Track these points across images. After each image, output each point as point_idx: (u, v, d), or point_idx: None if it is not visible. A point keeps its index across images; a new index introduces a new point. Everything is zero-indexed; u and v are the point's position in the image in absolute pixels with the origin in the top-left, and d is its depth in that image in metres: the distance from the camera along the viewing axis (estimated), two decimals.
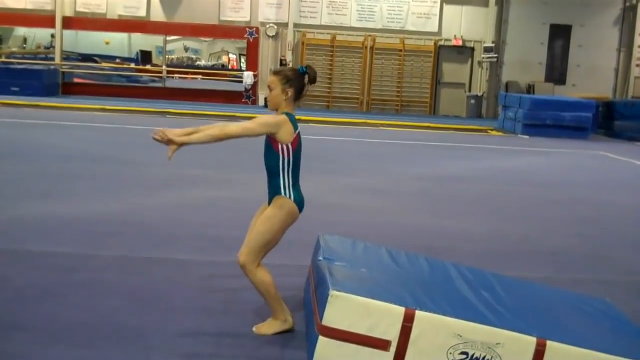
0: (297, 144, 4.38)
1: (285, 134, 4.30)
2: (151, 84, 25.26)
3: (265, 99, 4.26)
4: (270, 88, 4.36)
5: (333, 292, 3.82)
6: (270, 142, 4.34)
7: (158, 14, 24.08)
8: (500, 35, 24.06)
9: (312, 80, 4.47)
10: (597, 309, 5.00)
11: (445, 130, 19.57)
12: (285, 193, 4.39)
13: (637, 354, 4.12)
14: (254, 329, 4.42)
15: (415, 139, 16.81)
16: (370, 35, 24.20)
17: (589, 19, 23.79)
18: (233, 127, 4.21)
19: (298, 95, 4.41)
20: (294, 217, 4.43)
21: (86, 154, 11.44)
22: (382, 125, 19.55)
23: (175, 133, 4.10)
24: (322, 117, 20.65)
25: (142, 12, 23.98)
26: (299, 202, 4.44)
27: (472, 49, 24.43)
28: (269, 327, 4.41)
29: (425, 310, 3.91)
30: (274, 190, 4.43)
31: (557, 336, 4.06)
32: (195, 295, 4.97)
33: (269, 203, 4.47)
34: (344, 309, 3.83)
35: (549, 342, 3.95)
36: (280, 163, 4.36)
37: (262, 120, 4.23)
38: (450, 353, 3.88)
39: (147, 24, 24.06)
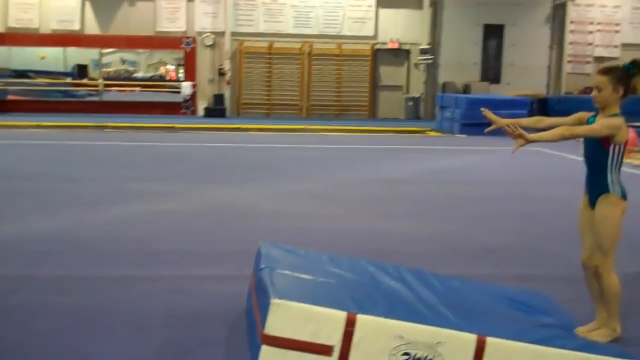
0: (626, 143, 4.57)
1: (623, 136, 4.44)
2: (88, 98, 24.87)
3: (594, 98, 4.43)
4: (598, 88, 4.47)
5: (274, 301, 3.82)
6: (601, 141, 4.45)
7: (93, 27, 23.80)
8: (435, 37, 24.38)
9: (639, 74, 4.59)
10: (535, 303, 5.11)
11: (384, 133, 19.72)
12: (613, 190, 4.50)
13: (572, 345, 4.22)
14: (578, 330, 4.61)
15: (356, 143, 16.92)
16: (307, 42, 24.30)
17: (521, 18, 24.26)
18: (580, 128, 4.48)
19: (626, 93, 4.50)
20: (624, 210, 4.56)
21: (22, 171, 11.22)
22: (322, 130, 19.62)
23: (520, 124, 4.46)
24: (263, 124, 20.64)
25: (76, 26, 23.67)
26: (625, 194, 4.55)
27: (409, 51, 24.69)
28: (601, 334, 4.60)
29: (367, 314, 3.94)
30: (600, 188, 4.53)
31: (497, 332, 4.13)
32: (136, 311, 4.91)
33: (592, 200, 4.60)
34: (286, 316, 3.83)
35: (489, 339, 4.02)
36: (609, 161, 4.48)
37: (607, 123, 4.39)
38: (393, 355, 3.91)
39: (82, 38, 23.74)
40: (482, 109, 5.14)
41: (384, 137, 18.80)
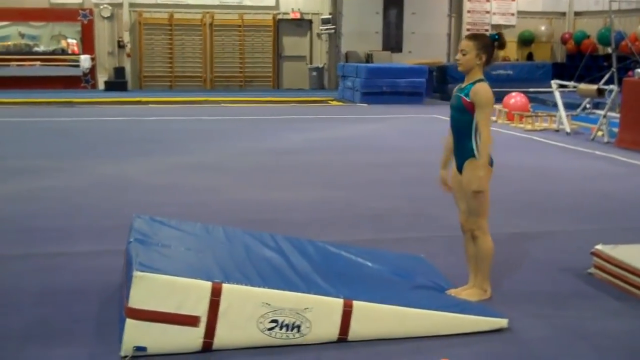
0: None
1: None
2: None
3: (457, 61, 4.46)
4: (463, 52, 4.56)
5: (137, 273, 3.78)
6: (466, 106, 4.53)
7: None
8: (336, 6, 24.37)
9: (502, 46, 4.66)
10: (411, 266, 5.22)
11: (287, 103, 19.67)
12: (477, 155, 4.56)
13: (440, 305, 4.34)
14: (450, 291, 4.70)
15: (258, 114, 16.83)
16: (208, 12, 23.97)
17: None
18: (484, 129, 4.48)
19: (489, 61, 4.59)
20: (491, 174, 4.64)
21: None
22: (223, 102, 19.44)
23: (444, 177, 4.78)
24: (164, 97, 20.33)
25: None
26: (491, 160, 4.61)
27: (310, 21, 24.67)
28: (471, 294, 4.70)
29: (233, 283, 3.94)
30: (466, 153, 4.60)
31: (365, 296, 4.21)
32: (5, 291, 4.78)
33: (459, 165, 4.67)
34: (149, 289, 3.80)
35: (355, 302, 4.09)
36: (474, 126, 4.55)
37: (491, 102, 4.51)
38: (261, 322, 3.94)
39: None
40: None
41: (287, 107, 18.76)
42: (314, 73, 24.30)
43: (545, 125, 14.26)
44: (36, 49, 24.70)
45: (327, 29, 24.13)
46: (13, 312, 4.43)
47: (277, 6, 24.34)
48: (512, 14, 25.21)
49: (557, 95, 14.19)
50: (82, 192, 7.92)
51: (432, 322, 4.20)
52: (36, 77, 23.24)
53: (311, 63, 24.74)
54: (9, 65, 23.88)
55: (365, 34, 24.07)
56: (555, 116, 14.19)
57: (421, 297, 4.52)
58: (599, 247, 5.30)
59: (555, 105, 14.70)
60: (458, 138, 4.67)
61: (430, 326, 4.19)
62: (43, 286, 4.89)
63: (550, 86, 15.11)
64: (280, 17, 24.43)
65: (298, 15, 24.39)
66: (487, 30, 24.94)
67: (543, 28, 25.53)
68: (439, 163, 4.96)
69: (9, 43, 24.81)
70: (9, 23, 24.39)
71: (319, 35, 24.69)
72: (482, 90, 4.51)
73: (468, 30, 24.81)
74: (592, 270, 5.30)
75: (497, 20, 25.08)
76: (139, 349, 3.79)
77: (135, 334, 3.80)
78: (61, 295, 4.73)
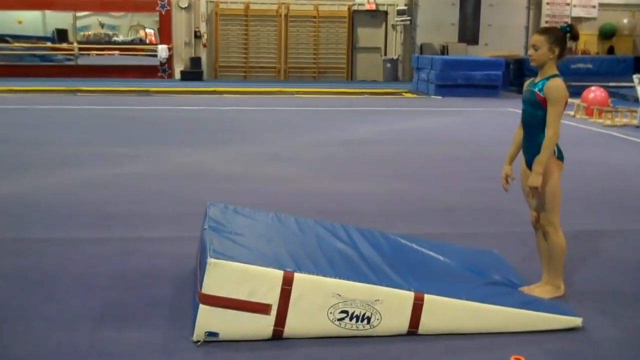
0: (566, 102, 4.51)
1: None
2: (66, 63, 24.61)
3: (530, 56, 4.51)
4: (535, 47, 4.47)
5: (211, 260, 3.84)
6: (539, 101, 4.46)
7: None
8: None
9: (575, 38, 4.59)
10: (484, 261, 5.16)
11: (360, 95, 19.64)
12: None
13: (512, 302, 4.27)
14: (523, 289, 4.63)
15: (331, 105, 16.86)
16: (284, 3, 24.09)
17: None
18: (551, 128, 4.41)
19: (562, 54, 4.51)
20: (561, 169, 4.58)
21: None
22: (297, 92, 19.53)
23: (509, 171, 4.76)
24: (239, 87, 20.54)
25: None
26: (561, 155, 4.55)
27: (386, 12, 24.55)
28: (543, 291, 4.63)
29: (305, 272, 3.96)
30: (536, 149, 4.50)
31: (436, 290, 4.17)
32: (83, 273, 4.91)
33: (529, 161, 4.60)
34: (222, 276, 3.85)
35: (427, 296, 4.06)
36: (546, 122, 4.46)
37: (563, 99, 4.42)
38: (331, 313, 3.95)
39: (55, 1, 23.40)
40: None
41: (360, 99, 18.72)
42: (388, 65, 24.20)
43: (625, 120, 13.89)
44: (115, 38, 25.30)
45: (402, 21, 23.98)
46: (89, 294, 4.54)
47: None
48: (593, 6, 24.60)
49: (639, 90, 13.78)
50: (158, 179, 8.08)
51: (504, 318, 4.14)
52: (115, 66, 23.80)
53: (385, 55, 24.64)
54: (89, 55, 24.54)
55: (441, 25, 23.87)
56: (636, 112, 13.80)
57: (493, 292, 4.47)
58: None
59: (636, 101, 14.30)
60: (529, 133, 4.59)
61: (502, 322, 4.13)
62: (118, 270, 5.00)
63: (631, 81, 14.68)
64: (355, 8, 24.38)
65: (373, 7, 24.31)
66: (566, 22, 24.41)
67: (625, 21, 24.83)
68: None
69: (90, 33, 25.52)
70: (89, 13, 25.03)
71: (394, 26, 24.56)
72: (556, 87, 4.41)
73: (547, 22, 24.33)
74: None
75: (578, 12, 24.51)
76: (211, 334, 3.85)
77: (208, 319, 3.85)
78: (136, 280, 4.82)
